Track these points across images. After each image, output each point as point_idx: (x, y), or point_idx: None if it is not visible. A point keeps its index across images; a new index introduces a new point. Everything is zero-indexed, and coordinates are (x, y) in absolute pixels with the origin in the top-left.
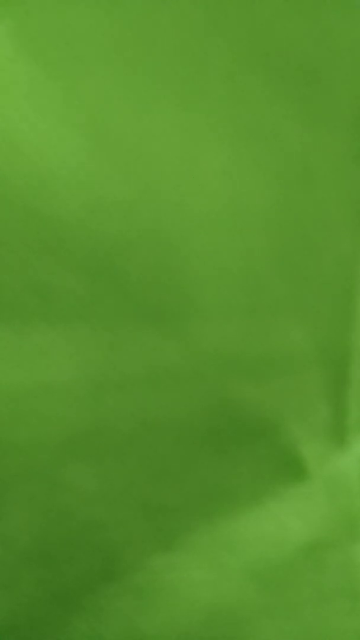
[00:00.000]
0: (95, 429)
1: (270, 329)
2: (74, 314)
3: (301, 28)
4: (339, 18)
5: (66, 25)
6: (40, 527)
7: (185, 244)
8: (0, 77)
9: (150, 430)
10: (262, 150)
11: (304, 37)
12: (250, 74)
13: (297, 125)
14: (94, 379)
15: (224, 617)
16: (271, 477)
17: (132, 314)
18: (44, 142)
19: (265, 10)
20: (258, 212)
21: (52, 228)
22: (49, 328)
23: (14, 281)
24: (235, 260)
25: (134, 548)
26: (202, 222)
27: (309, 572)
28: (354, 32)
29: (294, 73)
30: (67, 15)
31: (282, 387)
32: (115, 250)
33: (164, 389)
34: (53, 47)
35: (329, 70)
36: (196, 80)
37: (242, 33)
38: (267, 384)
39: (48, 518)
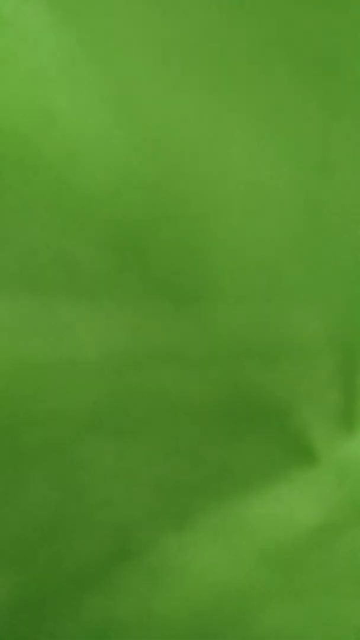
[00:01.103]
0: (114, 406)
1: (284, 314)
2: (99, 289)
3: (326, 17)
4: None
5: (101, 3)
6: (57, 502)
7: (206, 224)
8: (39, 49)
9: (167, 409)
10: (283, 134)
11: (328, 26)
12: (274, 58)
13: (318, 112)
14: (116, 355)
15: (233, 597)
16: (281, 461)
17: (153, 292)
18: (78, 114)
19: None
20: (277, 197)
21: (80, 201)
22: (75, 302)
23: (42, 254)
24: (253, 244)
25: (147, 528)
26: (223, 204)
27: (317, 554)
28: None
29: (316, 61)
30: None
31: (293, 371)
32: (140, 227)
33: (181, 370)
34: (89, 22)
35: (351, 60)
36: (221, 62)
37: (268, 18)
38: (279, 368)
39: (65, 494)
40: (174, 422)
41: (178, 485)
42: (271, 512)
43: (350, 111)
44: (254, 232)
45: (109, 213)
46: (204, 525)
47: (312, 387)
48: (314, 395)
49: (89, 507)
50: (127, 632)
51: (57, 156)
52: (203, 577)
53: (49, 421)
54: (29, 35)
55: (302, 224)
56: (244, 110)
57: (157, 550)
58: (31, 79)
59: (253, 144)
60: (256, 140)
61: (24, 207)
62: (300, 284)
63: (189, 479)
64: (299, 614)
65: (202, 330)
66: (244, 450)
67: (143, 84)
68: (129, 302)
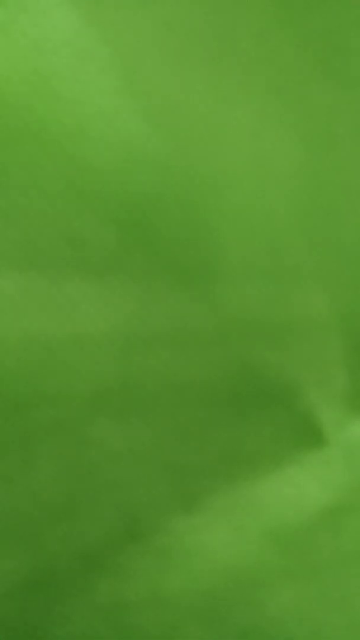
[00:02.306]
0: (121, 385)
1: (292, 294)
2: (106, 266)
3: None
4: None
5: None
6: (67, 482)
7: (212, 202)
8: (41, 19)
9: (175, 390)
10: (289, 111)
11: (334, 1)
12: (280, 34)
13: (324, 88)
14: (123, 334)
15: (243, 579)
16: (290, 442)
17: (161, 271)
18: (84, 89)
19: None
20: (282, 174)
21: (87, 177)
22: (82, 279)
23: (50, 230)
24: (259, 222)
25: (156, 509)
26: (229, 181)
27: (326, 535)
28: None
29: (323, 37)
30: None
31: (302, 353)
32: (147, 204)
33: (188, 350)
34: None
35: (357, 33)
36: (226, 36)
37: None
38: (287, 349)
39: (74, 474)
40: (181, 402)
41: (186, 466)
42: (280, 493)
43: (356, 87)
44: (260, 210)
45: (115, 189)
46: (213, 506)
47: (320, 368)
48: (322, 377)
49: (97, 488)
50: (137, 613)
51: (62, 130)
52: (212, 559)
53: (56, 400)
54: (31, 5)
55: (309, 202)
56: (248, 85)
57: (166, 532)
58: (34, 51)
59: (258, 120)
60: (261, 116)
61: (30, 182)
62: (307, 263)
63: (197, 460)
64: (309, 594)
65: (209, 310)
66: (252, 432)
67: (148, 57)
68: (136, 280)
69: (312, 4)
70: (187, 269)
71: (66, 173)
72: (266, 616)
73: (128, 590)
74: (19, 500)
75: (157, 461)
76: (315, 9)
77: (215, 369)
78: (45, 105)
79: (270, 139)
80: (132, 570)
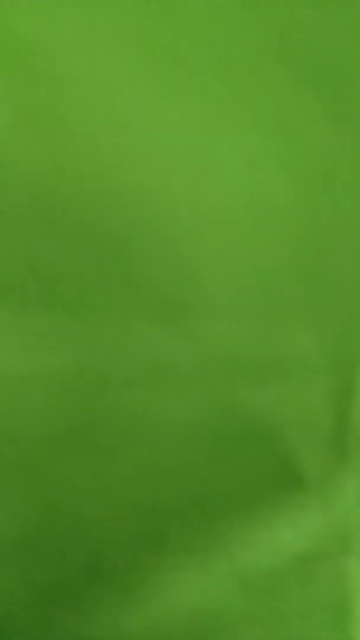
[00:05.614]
0: (91, 423)
1: (279, 333)
2: (78, 301)
3: (335, 26)
4: None
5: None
6: (29, 520)
7: (199, 237)
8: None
9: (149, 429)
10: (285, 147)
11: (337, 35)
12: (278, 67)
13: (323, 124)
14: (95, 371)
15: (208, 621)
16: (267, 485)
17: (139, 307)
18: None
19: (300, 5)
20: (276, 211)
21: (60, 208)
22: (50, 314)
23: (17, 262)
24: (249, 260)
25: (123, 547)
26: (217, 217)
27: (297, 583)
28: None
29: (323, 71)
30: None
31: (285, 394)
32: (126, 238)
33: (166, 388)
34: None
35: (358, 67)
36: (222, 69)
37: (274, 25)
38: (271, 390)
39: (37, 511)
40: (156, 441)
41: (157, 505)
42: (253, 537)
43: (356, 123)
44: (249, 246)
45: (91, 221)
46: (183, 547)
47: (304, 410)
48: (306, 419)
49: (61, 525)
50: None
51: (35, 160)
52: (178, 599)
53: (18, 438)
54: None
55: (300, 240)
56: (243, 119)
57: (133, 570)
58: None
59: (252, 154)
60: (256, 150)
61: None
62: (297, 302)
63: (169, 499)
64: None
65: (190, 346)
66: (228, 472)
67: (132, 88)
68: (111, 316)
69: (315, 42)
70: (167, 304)
71: (37, 204)
72: None
73: (90, 627)
74: None
75: (125, 499)
76: (318, 46)
77: (194, 407)
78: (16, 135)
79: (265, 175)
80: (95, 606)
